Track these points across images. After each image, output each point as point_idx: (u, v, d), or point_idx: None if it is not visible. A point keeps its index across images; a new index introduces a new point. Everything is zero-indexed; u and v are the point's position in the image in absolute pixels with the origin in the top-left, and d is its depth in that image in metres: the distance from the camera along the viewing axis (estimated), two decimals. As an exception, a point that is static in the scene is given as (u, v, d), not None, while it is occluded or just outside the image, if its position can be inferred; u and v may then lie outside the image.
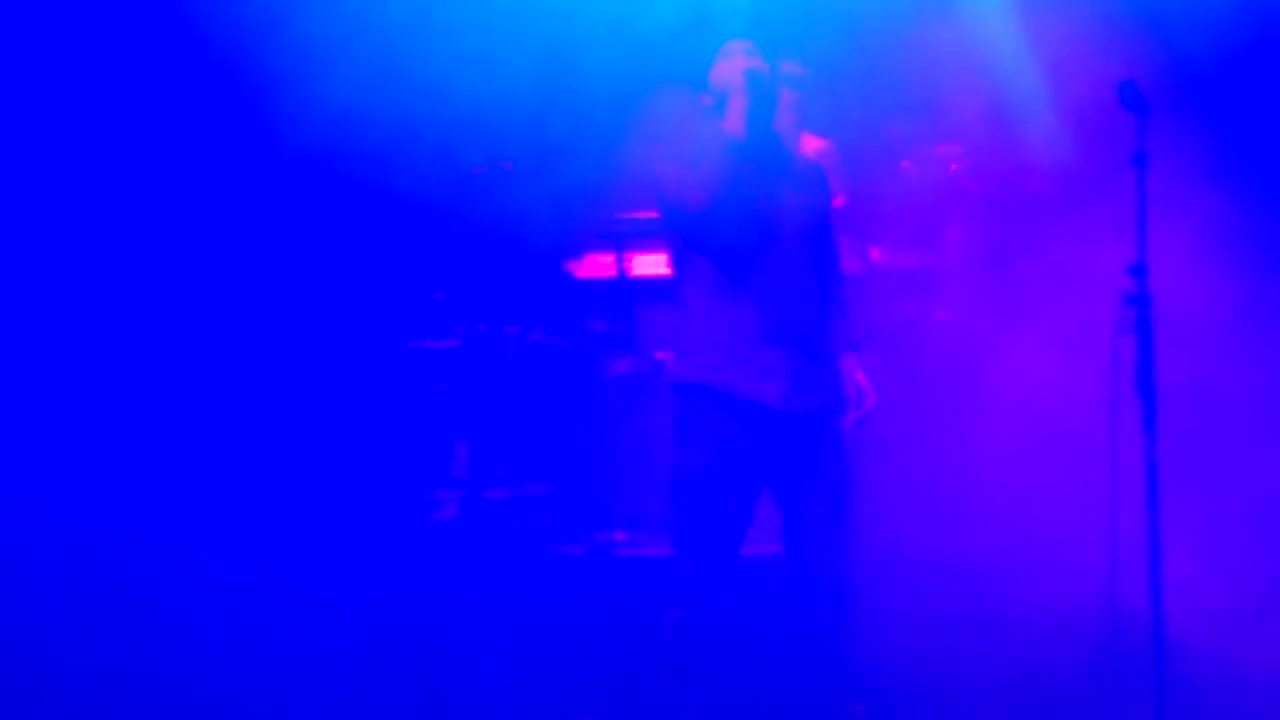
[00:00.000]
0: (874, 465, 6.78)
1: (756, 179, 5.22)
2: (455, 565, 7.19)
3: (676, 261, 5.36)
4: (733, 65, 5.24)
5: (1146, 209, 4.89)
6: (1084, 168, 5.23)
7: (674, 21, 8.39)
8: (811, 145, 8.31)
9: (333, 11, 7.56)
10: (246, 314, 7.63)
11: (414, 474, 7.58)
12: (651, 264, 7.52)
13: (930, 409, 7.25)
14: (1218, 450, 7.20)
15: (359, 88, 7.64)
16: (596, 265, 7.56)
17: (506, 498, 7.54)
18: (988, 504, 7.03)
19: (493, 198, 7.88)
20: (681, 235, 5.24)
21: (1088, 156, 5.29)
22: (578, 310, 7.72)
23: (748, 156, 5.17)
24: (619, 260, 7.48)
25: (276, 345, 7.77)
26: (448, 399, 7.66)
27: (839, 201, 8.22)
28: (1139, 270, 4.92)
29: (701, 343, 5.23)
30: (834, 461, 5.27)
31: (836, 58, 8.58)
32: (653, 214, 7.64)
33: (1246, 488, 7.10)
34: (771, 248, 5.22)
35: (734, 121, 5.18)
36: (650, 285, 7.53)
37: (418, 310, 7.95)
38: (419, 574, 7.08)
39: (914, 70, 8.51)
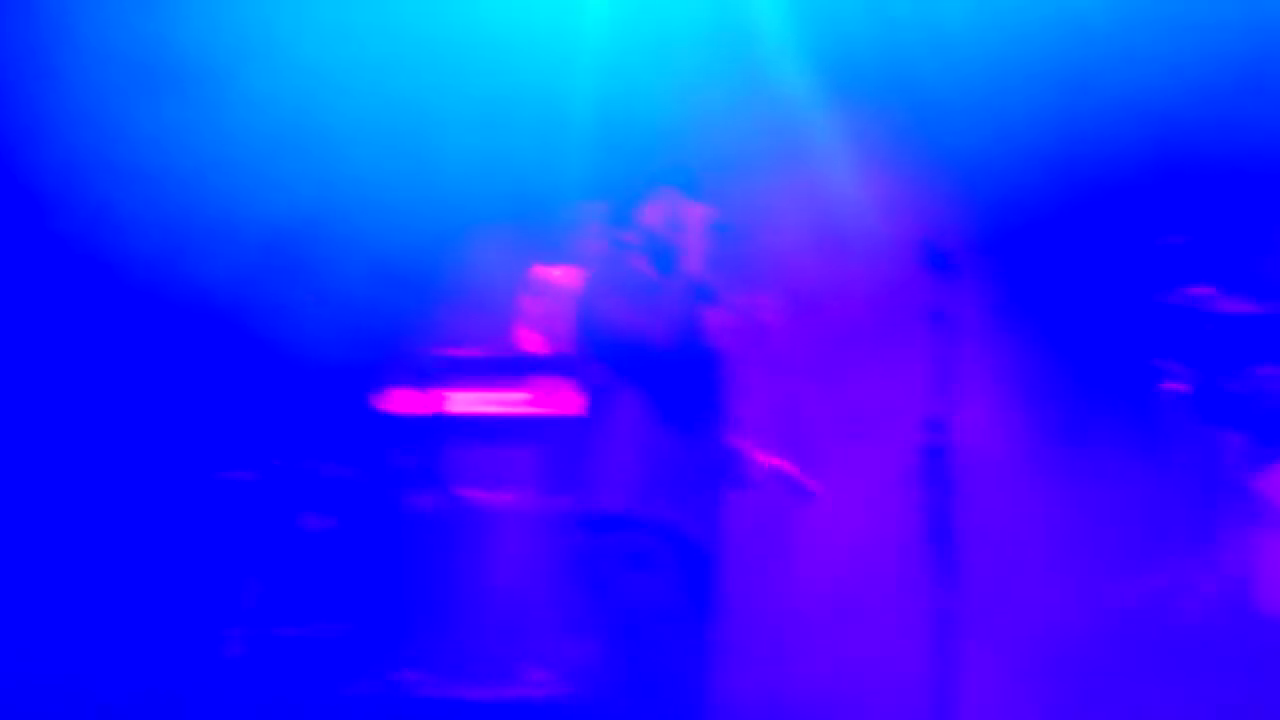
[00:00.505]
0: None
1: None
2: (242, 705, 7.00)
3: (605, 397, 5.29)
4: (678, 209, 5.30)
5: (946, 363, 4.97)
6: (885, 323, 5.35)
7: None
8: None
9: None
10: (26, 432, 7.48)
11: (202, 610, 7.39)
12: (462, 401, 7.48)
13: (728, 559, 7.28)
14: (1014, 601, 7.35)
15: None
16: (407, 400, 7.49)
17: (298, 636, 7.38)
18: (789, 650, 7.05)
19: (298, 325, 7.79)
20: (631, 372, 5.20)
21: (889, 312, 5.40)
22: (383, 445, 7.63)
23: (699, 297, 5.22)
24: (430, 396, 7.42)
25: (55, 470, 7.60)
26: (240, 532, 7.51)
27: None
28: (939, 423, 5.00)
29: (652, 480, 5.22)
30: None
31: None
32: (471, 351, 7.63)
33: (1042, 638, 7.24)
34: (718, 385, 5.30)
35: (695, 264, 5.18)
36: (463, 422, 7.48)
37: (211, 439, 7.81)
38: (204, 713, 6.88)
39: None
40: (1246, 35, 8.69)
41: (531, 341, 8.27)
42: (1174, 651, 7.36)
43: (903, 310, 5.36)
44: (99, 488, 7.75)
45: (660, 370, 5.16)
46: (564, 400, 7.57)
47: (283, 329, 7.92)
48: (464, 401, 7.49)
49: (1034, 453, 8.08)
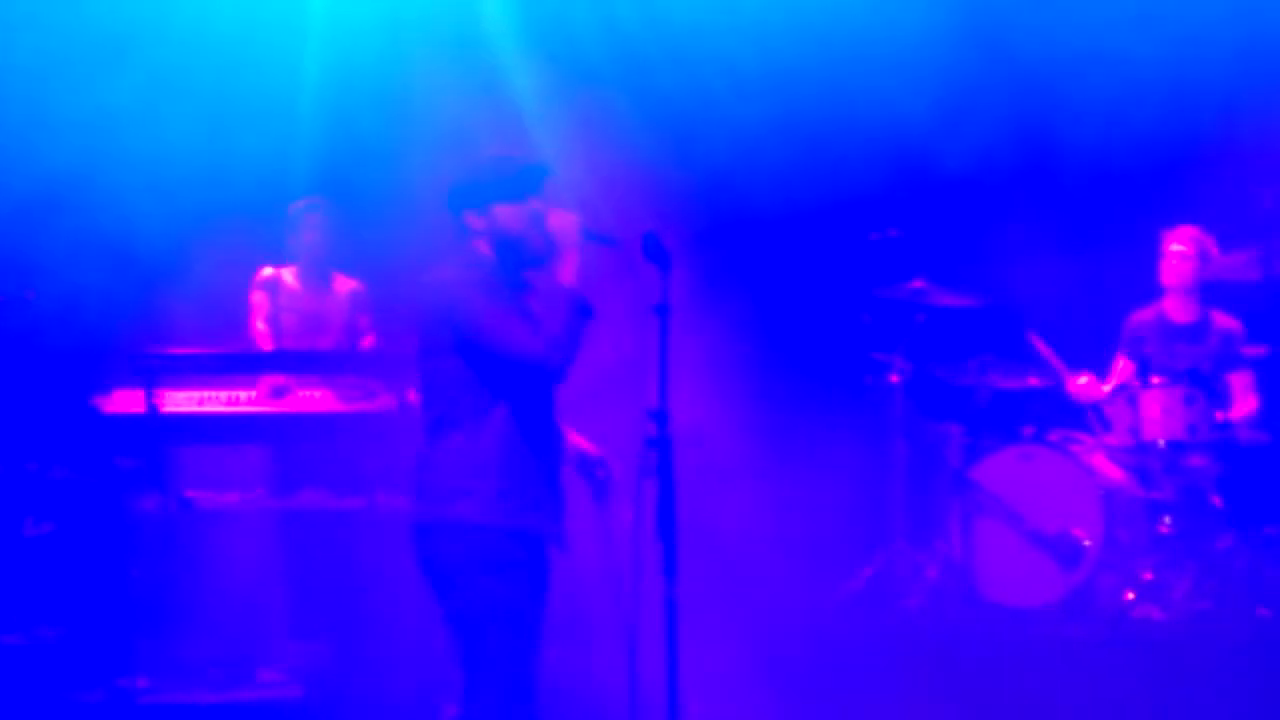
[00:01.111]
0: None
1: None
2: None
3: (455, 394, 5.17)
4: (558, 217, 5.19)
5: (668, 356, 5.03)
6: (607, 316, 5.41)
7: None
8: (345, 285, 8.34)
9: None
10: None
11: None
12: (186, 400, 7.33)
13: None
14: (735, 589, 7.47)
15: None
16: (129, 399, 7.31)
17: (20, 643, 7.16)
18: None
19: (14, 320, 7.56)
20: (488, 371, 5.09)
21: (611, 305, 5.46)
22: (104, 446, 7.43)
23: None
24: (149, 396, 7.25)
25: None
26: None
27: (368, 342, 8.25)
28: (660, 415, 5.05)
29: (501, 482, 5.09)
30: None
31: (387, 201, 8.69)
32: (197, 349, 7.48)
33: (766, 625, 7.36)
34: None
35: (568, 274, 5.10)
36: (184, 422, 7.33)
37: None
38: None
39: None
40: (962, 43, 9.01)
41: (260, 339, 8.17)
42: (896, 637, 7.53)
43: (626, 303, 5.38)
44: None
45: (529, 376, 5.08)
46: (296, 397, 7.50)
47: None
48: (189, 400, 7.35)
49: (755, 444, 8.24)
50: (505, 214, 5.19)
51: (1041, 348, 8.37)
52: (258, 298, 8.22)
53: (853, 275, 8.64)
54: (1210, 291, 8.36)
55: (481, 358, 5.06)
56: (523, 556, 5.11)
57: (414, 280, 5.20)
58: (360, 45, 8.91)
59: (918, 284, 8.39)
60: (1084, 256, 8.90)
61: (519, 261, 5.22)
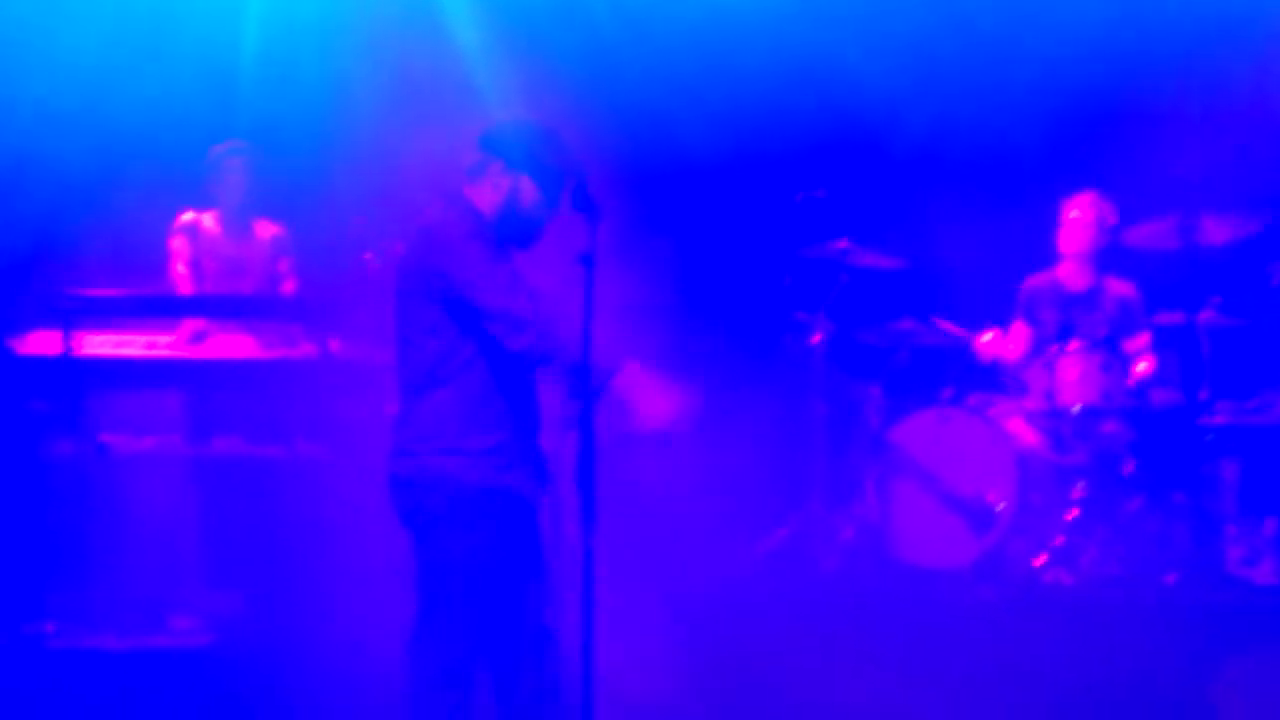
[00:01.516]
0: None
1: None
2: None
3: (438, 349, 5.13)
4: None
5: (593, 307, 5.03)
6: (534, 265, 5.41)
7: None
8: (267, 230, 8.27)
9: None
10: None
11: None
12: (103, 343, 7.25)
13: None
14: (652, 546, 7.48)
15: None
16: (45, 342, 7.22)
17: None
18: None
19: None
20: (474, 327, 5.07)
21: (537, 255, 5.46)
22: (18, 389, 7.34)
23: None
24: (66, 338, 7.16)
25: None
26: None
27: (289, 288, 8.20)
28: (582, 368, 5.05)
29: (485, 440, 5.11)
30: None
31: (313, 147, 8.63)
32: (109, 291, 7.39)
33: (679, 586, 7.38)
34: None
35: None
36: (101, 366, 7.25)
37: None
38: None
39: (384, 167, 8.61)
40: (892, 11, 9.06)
41: (180, 283, 8.10)
42: (810, 598, 7.57)
43: (553, 254, 5.37)
44: None
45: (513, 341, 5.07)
46: (216, 342, 7.44)
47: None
48: (107, 343, 7.27)
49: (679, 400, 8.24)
50: (529, 189, 5.22)
51: (947, 328, 8.43)
52: (178, 242, 8.14)
53: (778, 234, 8.65)
54: (1107, 258, 8.45)
55: (470, 312, 5.07)
56: (505, 514, 5.15)
57: (400, 220, 5.21)
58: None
59: (842, 244, 8.42)
60: (1006, 221, 8.95)
61: (512, 236, 5.22)
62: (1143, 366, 8.27)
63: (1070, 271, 8.49)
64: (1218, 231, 8.01)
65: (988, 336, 8.34)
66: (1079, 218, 8.39)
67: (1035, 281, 8.55)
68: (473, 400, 5.14)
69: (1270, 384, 8.16)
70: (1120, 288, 8.45)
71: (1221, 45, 8.84)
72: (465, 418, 5.14)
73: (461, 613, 5.16)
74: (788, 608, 7.36)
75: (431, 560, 5.22)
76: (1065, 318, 8.39)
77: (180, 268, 8.10)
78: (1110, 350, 8.08)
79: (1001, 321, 8.54)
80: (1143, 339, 8.38)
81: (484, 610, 5.16)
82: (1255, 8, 8.90)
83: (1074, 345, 8.08)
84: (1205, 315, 8.03)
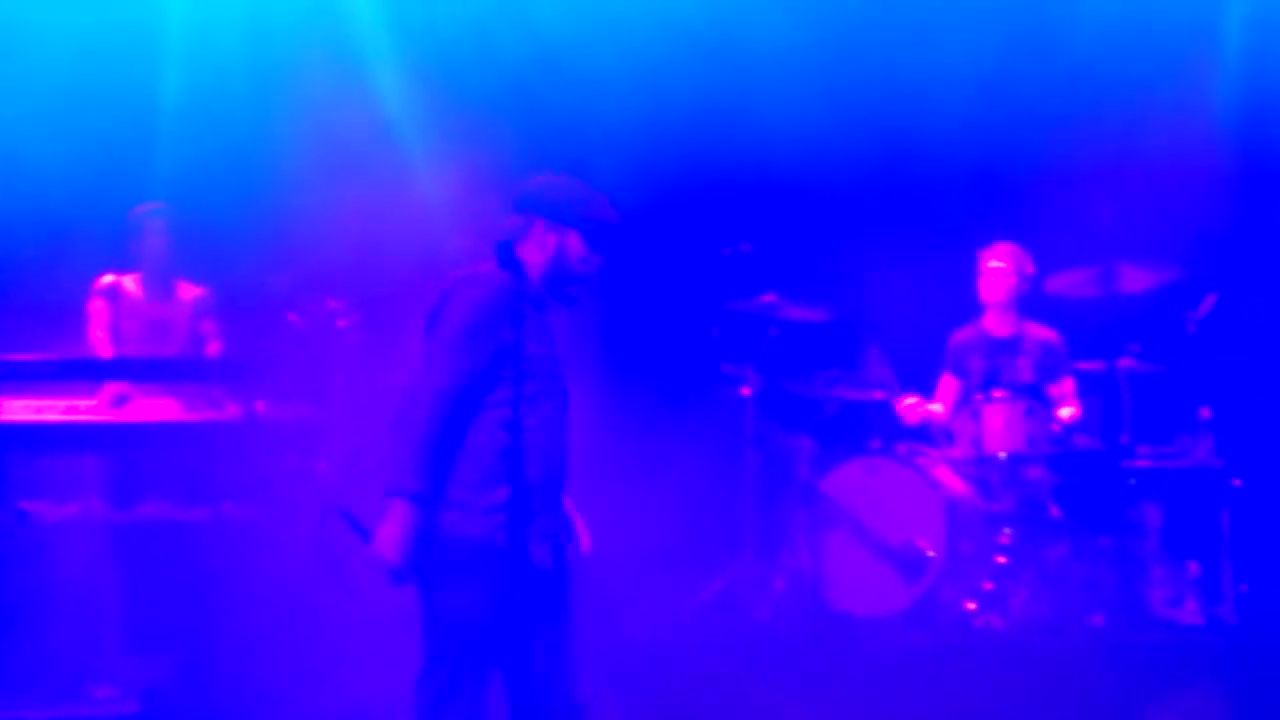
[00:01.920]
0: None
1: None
2: None
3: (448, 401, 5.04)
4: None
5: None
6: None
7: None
8: (189, 292, 8.21)
9: None
10: None
11: None
12: (22, 409, 7.15)
13: (318, 554, 7.22)
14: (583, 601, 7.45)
15: None
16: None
17: None
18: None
19: None
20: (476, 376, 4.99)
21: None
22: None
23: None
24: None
25: None
26: None
27: (213, 350, 8.14)
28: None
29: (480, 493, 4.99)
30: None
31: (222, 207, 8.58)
32: (28, 355, 7.30)
33: (611, 639, 7.36)
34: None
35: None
36: (20, 431, 7.15)
37: None
38: None
39: (306, 226, 8.58)
40: (816, 64, 9.15)
41: (99, 346, 8.01)
42: (744, 648, 7.56)
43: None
44: None
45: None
46: (138, 406, 7.36)
47: None
48: (26, 409, 7.16)
49: (605, 454, 8.22)
50: (576, 246, 5.17)
51: (880, 367, 8.49)
52: (96, 305, 8.07)
53: (705, 288, 8.68)
54: (1027, 305, 8.58)
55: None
56: (503, 572, 4.99)
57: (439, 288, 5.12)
58: (219, 49, 8.81)
59: (769, 298, 8.47)
60: (931, 271, 9.04)
61: (559, 292, 5.20)
62: (1067, 412, 8.37)
63: (994, 321, 8.62)
64: (1136, 280, 8.15)
65: (910, 400, 8.42)
66: (999, 268, 8.52)
67: (962, 335, 8.69)
68: (479, 455, 5.04)
69: (1189, 429, 8.26)
70: (1042, 333, 8.58)
71: (1137, 98, 9.03)
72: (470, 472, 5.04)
73: (453, 673, 5.02)
74: (721, 659, 7.35)
75: (425, 617, 5.11)
76: (991, 365, 8.52)
77: (98, 332, 8.02)
78: (1034, 397, 8.21)
79: (929, 372, 8.64)
80: (1067, 384, 8.50)
81: (479, 672, 5.04)
82: (1169, 60, 9.09)
83: (999, 393, 8.19)
84: (1125, 362, 8.13)
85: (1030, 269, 8.52)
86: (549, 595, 5.17)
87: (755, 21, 9.07)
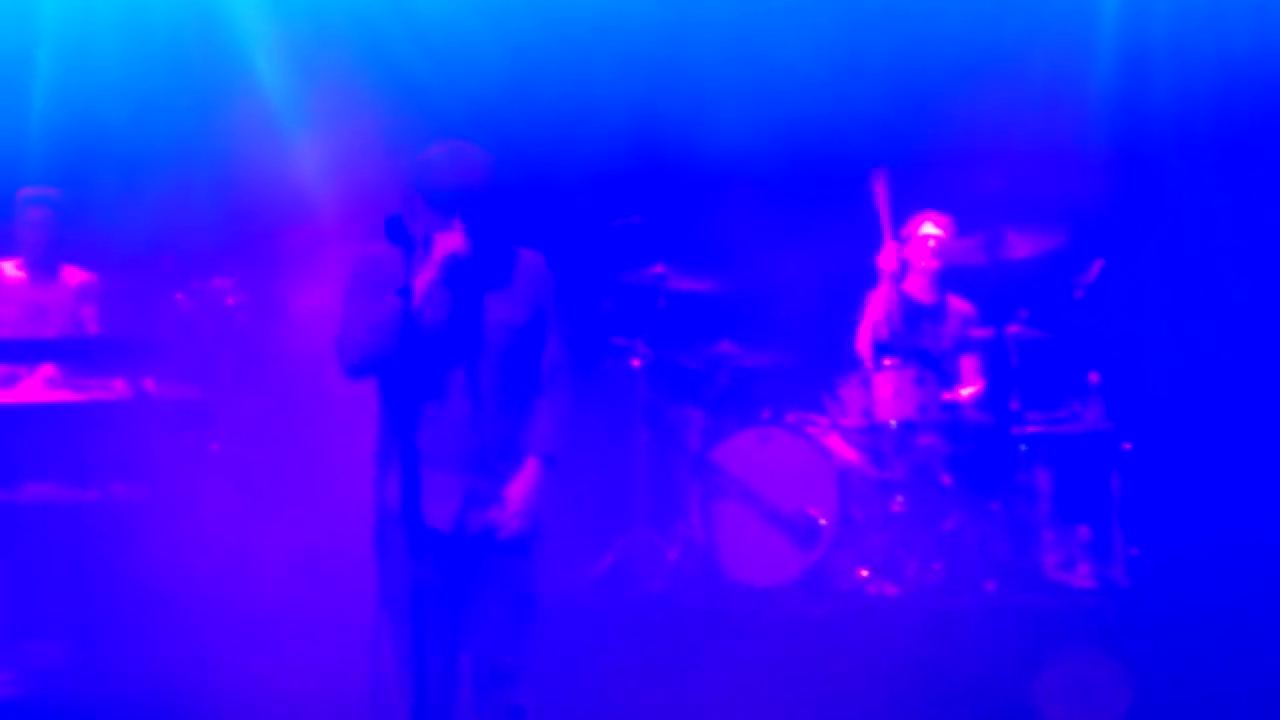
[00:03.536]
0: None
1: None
2: None
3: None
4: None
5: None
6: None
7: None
8: (75, 277, 8.13)
9: None
10: None
11: None
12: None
13: (209, 534, 7.19)
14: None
15: None
16: None
17: None
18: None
19: None
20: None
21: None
22: None
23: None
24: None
25: None
26: None
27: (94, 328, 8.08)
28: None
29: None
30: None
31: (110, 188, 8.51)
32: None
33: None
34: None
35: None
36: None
37: None
38: None
39: (190, 202, 8.52)
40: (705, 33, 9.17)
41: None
42: (638, 620, 7.58)
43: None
44: None
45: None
46: (25, 387, 7.29)
47: None
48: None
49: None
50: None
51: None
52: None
53: (595, 260, 8.68)
54: (949, 276, 8.63)
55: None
56: (416, 543, 5.02)
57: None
58: (97, 26, 8.72)
59: (658, 269, 8.48)
60: (815, 242, 9.08)
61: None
62: (968, 391, 8.43)
63: (918, 286, 8.63)
64: (1022, 246, 8.21)
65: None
66: (935, 234, 8.52)
67: (880, 295, 8.61)
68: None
69: (1078, 394, 8.36)
70: (961, 305, 8.63)
71: (1018, 67, 9.12)
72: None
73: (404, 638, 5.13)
74: (616, 630, 7.36)
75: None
76: (911, 329, 8.50)
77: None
78: (924, 364, 8.23)
79: (815, 339, 8.68)
80: (975, 360, 8.55)
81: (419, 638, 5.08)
82: (1047, 29, 9.20)
83: (888, 360, 8.22)
84: (1013, 328, 8.21)
85: (953, 239, 8.54)
86: (457, 560, 5.25)
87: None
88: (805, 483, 8.11)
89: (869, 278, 8.63)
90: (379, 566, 5.27)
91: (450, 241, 5.19)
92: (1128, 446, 8.19)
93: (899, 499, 8.10)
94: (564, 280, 5.54)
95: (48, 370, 7.46)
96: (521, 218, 5.46)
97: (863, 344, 8.54)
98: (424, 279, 5.11)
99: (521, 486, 5.35)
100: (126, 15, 8.81)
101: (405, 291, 5.03)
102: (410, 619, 5.04)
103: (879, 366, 8.22)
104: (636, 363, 8.49)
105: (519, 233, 5.44)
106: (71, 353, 7.59)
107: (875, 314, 8.57)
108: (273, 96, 8.84)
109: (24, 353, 7.54)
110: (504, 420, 5.29)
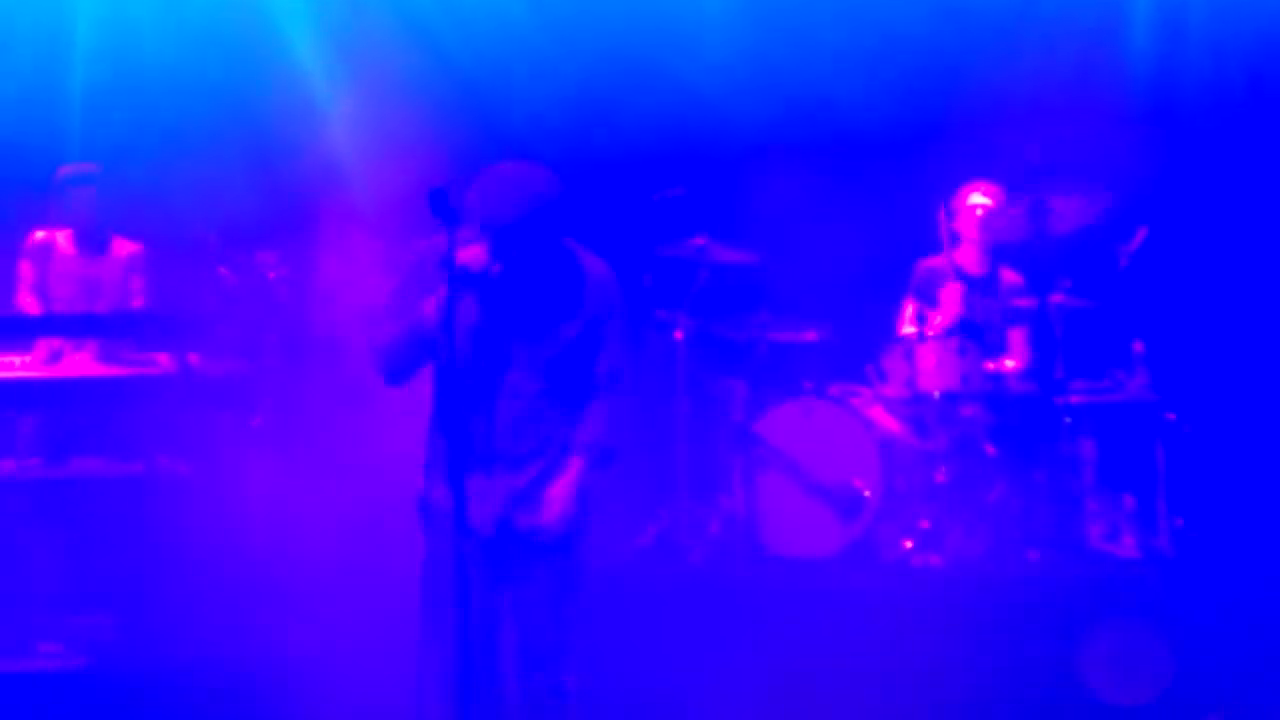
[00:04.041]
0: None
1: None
2: None
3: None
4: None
5: (454, 314, 5.03)
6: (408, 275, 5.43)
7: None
8: (124, 248, 8.17)
9: None
10: None
11: None
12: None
13: (253, 508, 7.23)
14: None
15: None
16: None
17: None
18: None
19: None
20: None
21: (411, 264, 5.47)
22: None
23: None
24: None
25: None
26: None
27: (138, 305, 8.13)
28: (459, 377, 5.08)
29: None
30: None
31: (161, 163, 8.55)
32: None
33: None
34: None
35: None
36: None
37: None
38: None
39: (235, 175, 8.56)
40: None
41: (27, 308, 7.97)
42: (681, 592, 7.59)
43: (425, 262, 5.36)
44: None
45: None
46: (72, 361, 7.33)
47: None
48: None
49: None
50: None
51: None
52: (25, 266, 8.04)
53: (635, 234, 8.67)
54: (1001, 248, 8.58)
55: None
56: (437, 531, 5.19)
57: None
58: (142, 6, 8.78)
59: (699, 241, 8.47)
60: (859, 213, 9.06)
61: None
62: (1011, 364, 8.38)
63: (969, 257, 8.58)
64: (1066, 215, 8.16)
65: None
66: (985, 204, 8.47)
67: (931, 263, 8.59)
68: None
69: (1122, 363, 8.32)
70: (1011, 277, 8.58)
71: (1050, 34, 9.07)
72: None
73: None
74: (659, 603, 7.38)
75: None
76: (964, 300, 8.45)
77: (26, 294, 7.99)
78: (966, 335, 8.18)
79: (857, 310, 8.65)
80: (1023, 332, 8.49)
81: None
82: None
83: (931, 331, 8.19)
84: (1057, 297, 8.16)
85: (1007, 209, 8.46)
86: (499, 561, 5.31)
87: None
88: (848, 454, 8.10)
89: (911, 248, 8.60)
90: (424, 563, 5.33)
91: (469, 255, 5.18)
92: (1172, 417, 8.14)
93: (942, 470, 8.08)
94: (605, 254, 5.54)
95: (92, 346, 7.51)
96: (577, 220, 5.47)
97: (910, 313, 8.51)
98: (439, 294, 5.13)
99: (564, 487, 5.36)
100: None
101: (449, 266, 5.04)
102: (454, 611, 5.06)
103: (922, 338, 8.19)
104: (679, 335, 8.48)
105: (580, 239, 5.44)
106: (116, 328, 7.64)
107: (922, 282, 8.55)
108: (313, 71, 8.85)
109: (69, 327, 7.59)
110: (548, 426, 5.31)
